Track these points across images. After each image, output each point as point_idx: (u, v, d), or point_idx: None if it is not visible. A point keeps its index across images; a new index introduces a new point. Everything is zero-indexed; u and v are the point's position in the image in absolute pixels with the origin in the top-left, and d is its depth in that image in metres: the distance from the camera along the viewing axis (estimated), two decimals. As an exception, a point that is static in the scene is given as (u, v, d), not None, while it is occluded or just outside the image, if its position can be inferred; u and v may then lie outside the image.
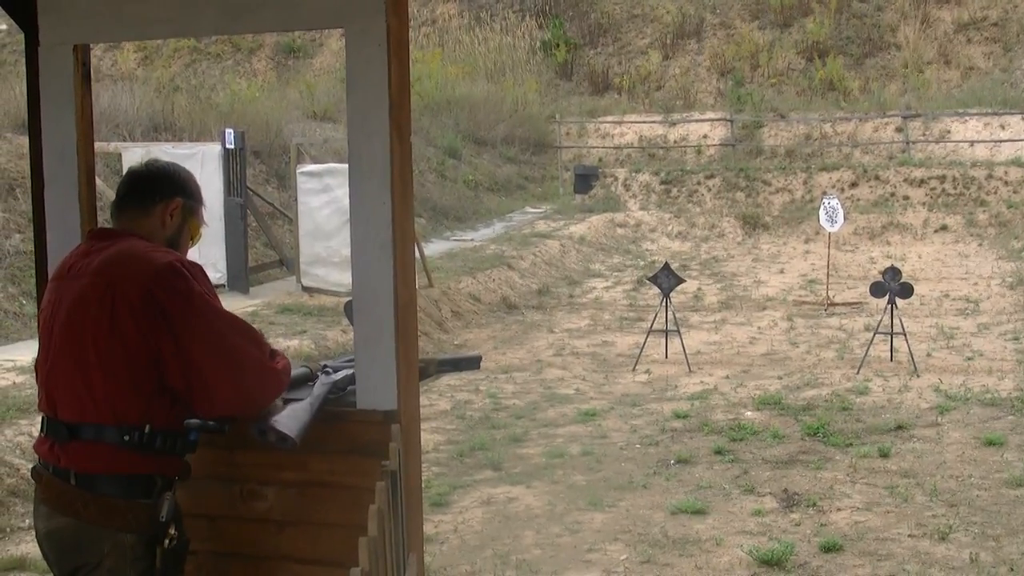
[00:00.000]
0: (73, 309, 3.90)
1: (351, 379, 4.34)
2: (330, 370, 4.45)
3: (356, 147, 4.14)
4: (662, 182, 33.36)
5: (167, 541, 3.90)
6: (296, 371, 4.44)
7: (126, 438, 3.84)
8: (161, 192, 4.12)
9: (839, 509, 9.29)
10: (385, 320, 4.14)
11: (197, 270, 3.98)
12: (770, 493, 9.76)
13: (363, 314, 4.19)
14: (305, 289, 18.69)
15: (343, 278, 16.78)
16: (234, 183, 19.24)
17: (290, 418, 4.03)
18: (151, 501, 3.91)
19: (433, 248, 23.51)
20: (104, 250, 3.96)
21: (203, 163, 18.97)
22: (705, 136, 36.74)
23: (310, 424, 4.06)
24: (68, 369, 3.91)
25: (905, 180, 31.26)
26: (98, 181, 4.72)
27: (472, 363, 5.24)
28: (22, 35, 4.58)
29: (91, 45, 4.73)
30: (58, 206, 4.52)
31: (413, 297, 4.31)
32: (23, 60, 4.67)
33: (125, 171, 4.24)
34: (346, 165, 4.55)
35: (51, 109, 4.52)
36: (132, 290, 3.81)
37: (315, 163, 20.58)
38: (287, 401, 4.15)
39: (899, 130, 34.75)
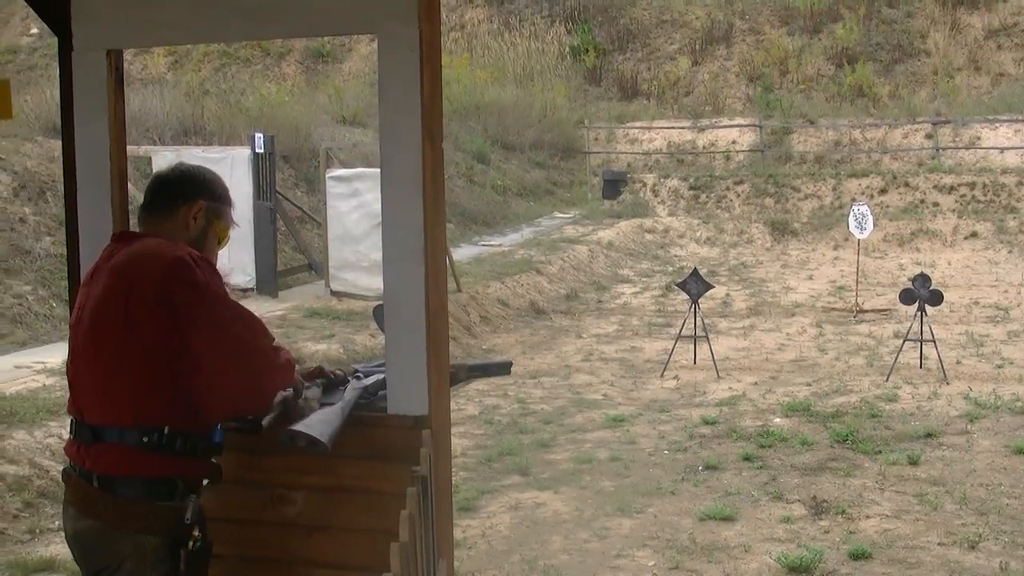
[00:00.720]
0: (94, 311, 3.93)
1: (382, 384, 4.34)
2: (361, 375, 4.45)
3: (388, 153, 4.15)
4: (691, 188, 33.31)
5: (191, 543, 3.90)
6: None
7: (145, 440, 3.85)
8: (184, 194, 4.12)
9: (868, 517, 9.24)
10: (416, 325, 4.14)
11: (206, 264, 3.97)
12: (798, 500, 9.72)
13: (394, 319, 4.20)
14: (334, 293, 18.71)
15: (371, 282, 16.81)
16: (263, 187, 19.28)
17: (321, 423, 4.03)
18: (173, 503, 3.91)
19: (461, 253, 23.51)
20: (123, 249, 3.99)
21: (232, 167, 19.02)
22: (734, 142, 36.67)
23: (341, 429, 4.06)
24: (91, 372, 3.94)
25: (935, 187, 31.15)
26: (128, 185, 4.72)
27: (503, 368, 5.24)
28: (54, 40, 4.60)
29: (124, 50, 4.75)
30: (90, 209, 4.54)
31: (444, 302, 4.31)
32: (54, 64, 4.70)
33: (152, 176, 4.22)
34: (375, 170, 4.56)
35: (84, 113, 4.53)
36: (146, 287, 3.83)
37: (344, 168, 20.61)
38: (322, 405, 4.16)
39: (929, 136, 34.61)
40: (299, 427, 4.00)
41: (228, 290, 4.01)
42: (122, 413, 3.87)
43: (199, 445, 3.97)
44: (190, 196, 4.12)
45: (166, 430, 3.87)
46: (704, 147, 36.97)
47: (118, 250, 4.00)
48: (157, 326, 3.81)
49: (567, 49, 44.33)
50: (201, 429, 3.97)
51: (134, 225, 4.33)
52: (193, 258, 3.91)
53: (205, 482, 4.13)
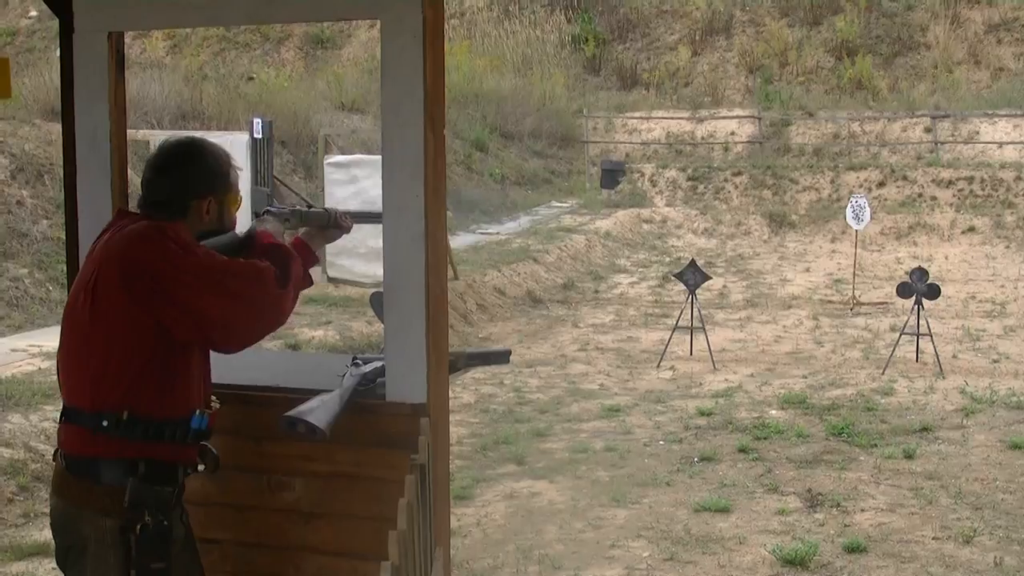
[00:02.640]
0: (71, 296, 3.97)
1: (381, 371, 4.33)
2: (360, 362, 4.44)
3: (389, 138, 4.13)
4: (689, 178, 33.28)
5: (139, 527, 3.84)
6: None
7: (104, 423, 3.82)
8: (192, 193, 4.01)
9: (863, 510, 9.25)
10: (416, 312, 4.13)
11: (178, 228, 3.91)
12: (794, 492, 9.72)
13: (394, 306, 4.19)
14: (330, 280, 18.68)
15: (369, 269, 16.79)
16: (262, 172, 19.23)
17: (319, 410, 4.02)
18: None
19: (459, 241, 23.47)
20: (107, 236, 3.98)
21: (231, 152, 18.93)
22: (733, 133, 36.64)
23: (340, 415, 4.05)
24: (64, 354, 3.97)
25: (933, 181, 31.13)
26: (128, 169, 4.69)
27: (502, 357, 5.23)
28: (53, 22, 4.59)
29: (125, 33, 4.73)
30: (90, 193, 4.53)
31: (444, 290, 4.30)
32: (53, 47, 4.69)
33: (147, 166, 4.06)
34: (373, 156, 4.55)
35: (85, 96, 4.52)
36: (110, 269, 3.81)
37: (342, 154, 20.57)
38: (320, 392, 4.15)
39: (928, 130, 34.60)
40: (298, 413, 3.99)
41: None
42: (83, 396, 3.86)
43: (168, 430, 3.91)
44: (199, 193, 4.02)
45: (125, 415, 3.82)
46: (703, 138, 36.95)
47: (110, 234, 3.98)
48: (122, 308, 3.78)
49: (567, 38, 44.26)
50: (175, 413, 3.92)
51: (134, 208, 4.28)
52: (162, 228, 3.86)
53: (201, 467, 4.10)
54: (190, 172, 4.04)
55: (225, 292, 3.85)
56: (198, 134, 18.87)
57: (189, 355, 3.94)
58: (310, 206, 4.67)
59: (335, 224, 4.65)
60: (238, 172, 4.23)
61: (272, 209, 4.57)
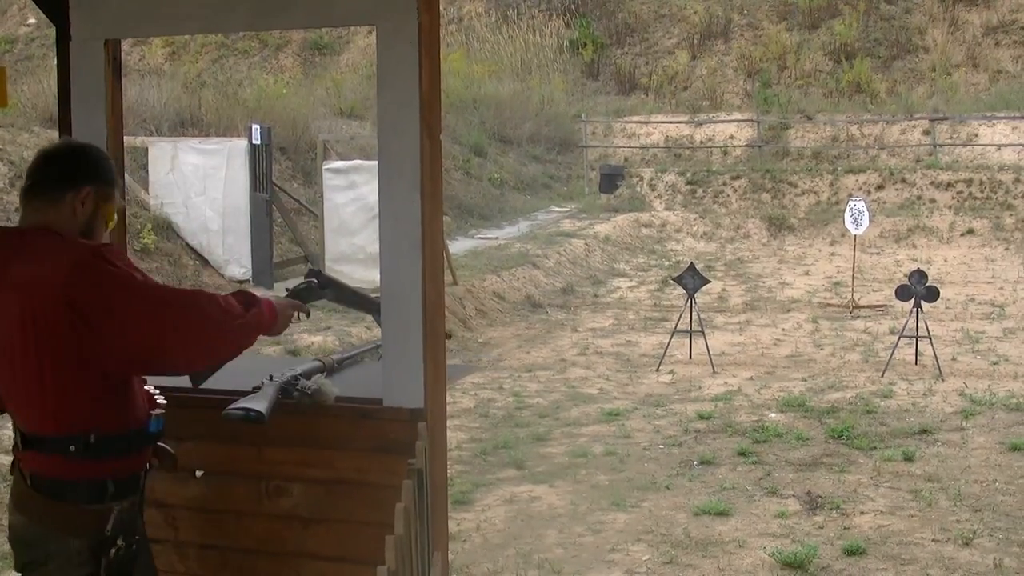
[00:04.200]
0: (6, 331, 3.80)
1: (316, 370, 4.52)
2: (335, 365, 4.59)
3: (386, 145, 4.15)
4: (688, 183, 33.30)
5: (113, 551, 3.85)
6: (307, 365, 4.49)
7: (72, 448, 3.77)
8: (72, 180, 3.90)
9: (863, 512, 9.25)
10: (413, 318, 4.15)
11: (114, 253, 3.85)
12: (793, 495, 9.73)
13: (391, 312, 4.20)
14: (330, 286, 18.69)
15: (368, 275, 16.80)
16: (260, 179, 19.27)
17: (255, 398, 4.16)
18: (102, 506, 3.86)
19: (458, 246, 23.50)
20: (15, 256, 3.83)
21: (229, 158, 19.03)
22: (731, 137, 36.64)
23: (276, 399, 4.19)
24: (12, 383, 3.86)
25: (932, 183, 31.16)
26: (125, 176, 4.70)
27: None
28: (51, 29, 4.60)
29: (122, 40, 4.75)
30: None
31: (441, 295, 4.31)
32: (52, 55, 4.70)
33: (36, 155, 4.02)
34: (372, 162, 4.57)
35: (81, 104, 4.53)
36: (48, 298, 3.69)
37: (341, 160, 20.62)
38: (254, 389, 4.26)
39: (926, 133, 34.59)
40: (237, 404, 4.14)
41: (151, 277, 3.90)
42: (44, 424, 3.80)
43: (134, 443, 3.91)
44: (79, 182, 3.90)
45: (92, 438, 3.79)
46: (701, 142, 36.94)
47: (6, 254, 3.85)
48: (68, 336, 3.70)
49: (565, 43, 44.27)
50: (136, 425, 3.92)
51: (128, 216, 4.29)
52: (98, 253, 3.78)
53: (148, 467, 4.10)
54: (73, 160, 3.95)
55: (164, 320, 3.78)
56: (196, 140, 18.84)
57: None
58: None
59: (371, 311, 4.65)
60: (120, 196, 4.12)
61: (315, 281, 4.68)
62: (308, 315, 4.45)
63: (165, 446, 4.17)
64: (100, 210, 3.97)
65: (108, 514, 3.85)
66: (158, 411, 4.02)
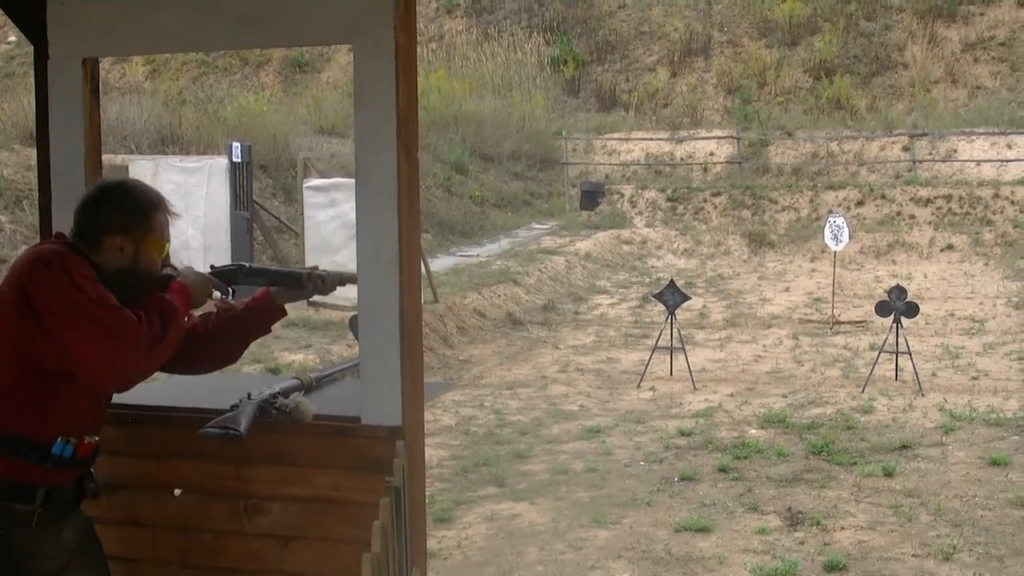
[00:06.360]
0: None
1: (295, 388, 4.54)
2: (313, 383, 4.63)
3: (363, 162, 4.15)
4: (668, 199, 33.39)
5: None
6: (286, 383, 4.52)
7: None
8: (105, 229, 4.06)
9: (843, 528, 9.27)
10: (390, 335, 4.15)
11: (70, 261, 3.92)
12: (774, 511, 9.74)
13: (369, 329, 4.20)
14: (310, 303, 18.66)
15: (348, 292, 16.72)
16: (241, 197, 19.26)
17: (233, 416, 4.21)
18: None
19: (439, 263, 23.49)
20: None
21: (210, 176, 19.02)
22: (712, 154, 36.75)
23: (254, 417, 4.22)
24: None
25: (911, 199, 31.29)
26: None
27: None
28: (31, 47, 4.60)
29: (100, 59, 4.75)
30: (65, 219, 4.52)
31: (419, 312, 4.31)
32: (31, 72, 4.69)
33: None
34: (352, 180, 4.57)
35: (59, 122, 4.53)
36: (11, 285, 3.88)
37: (322, 177, 20.62)
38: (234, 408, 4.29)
39: (906, 149, 34.75)
40: (215, 423, 4.18)
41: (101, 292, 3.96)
42: None
43: (24, 448, 3.95)
44: (111, 231, 4.06)
45: None
46: (682, 159, 37.04)
47: (25, 252, 4.08)
48: (9, 324, 3.85)
49: (546, 60, 44.38)
50: (37, 436, 3.96)
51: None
52: (55, 256, 3.91)
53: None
54: (103, 211, 4.08)
55: (87, 335, 3.84)
56: (177, 158, 18.85)
57: (68, 382, 3.94)
58: (285, 267, 4.79)
59: (305, 285, 4.68)
60: (170, 218, 4.23)
61: (247, 265, 4.75)
62: (230, 295, 4.65)
63: (91, 477, 4.24)
64: (142, 248, 4.12)
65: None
66: (73, 440, 4.02)
